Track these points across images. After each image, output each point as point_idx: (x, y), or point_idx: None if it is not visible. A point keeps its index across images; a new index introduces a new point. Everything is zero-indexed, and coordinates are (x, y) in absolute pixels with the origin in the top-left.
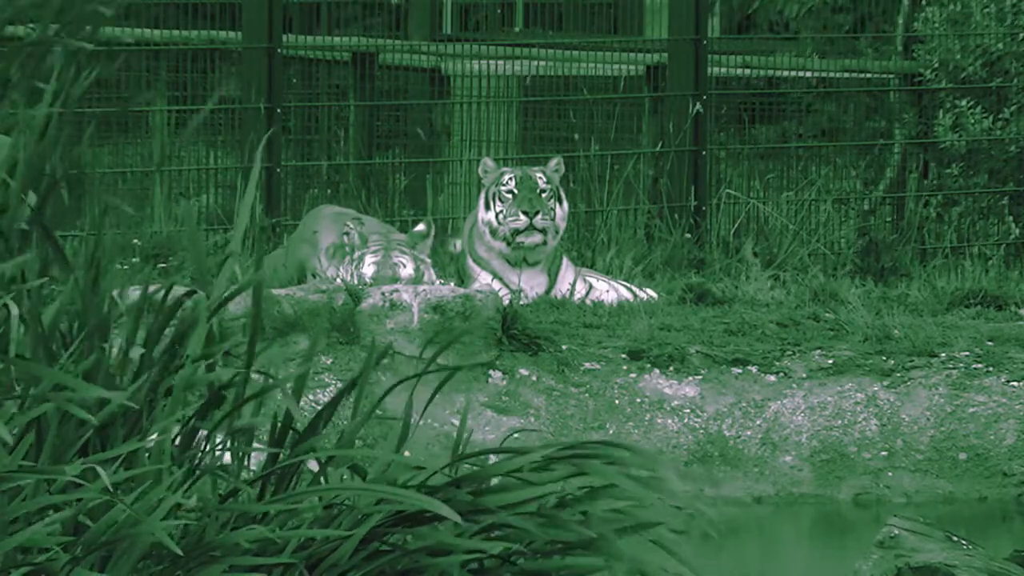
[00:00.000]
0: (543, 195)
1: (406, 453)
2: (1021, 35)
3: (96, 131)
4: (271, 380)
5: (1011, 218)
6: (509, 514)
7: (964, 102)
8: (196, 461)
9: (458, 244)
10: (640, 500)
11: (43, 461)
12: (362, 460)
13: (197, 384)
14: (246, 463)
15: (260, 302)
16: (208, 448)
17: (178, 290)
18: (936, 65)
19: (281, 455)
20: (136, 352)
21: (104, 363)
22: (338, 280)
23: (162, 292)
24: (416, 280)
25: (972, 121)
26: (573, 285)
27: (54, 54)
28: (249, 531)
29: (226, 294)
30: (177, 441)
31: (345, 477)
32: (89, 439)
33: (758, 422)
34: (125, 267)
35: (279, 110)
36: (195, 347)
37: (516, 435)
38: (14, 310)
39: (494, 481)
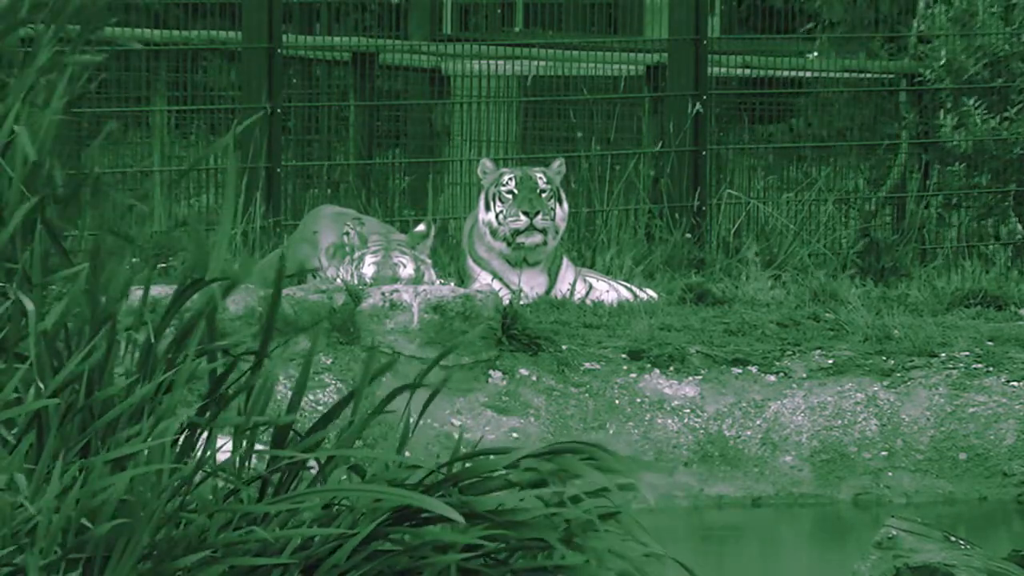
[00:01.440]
0: (543, 195)
1: (406, 453)
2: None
3: (95, 131)
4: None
5: (1015, 218)
6: (503, 516)
7: (970, 100)
8: (198, 461)
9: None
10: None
11: (44, 461)
12: (362, 461)
13: (199, 378)
14: (247, 463)
15: (279, 293)
16: (209, 448)
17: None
18: (940, 64)
19: (280, 458)
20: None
21: (112, 361)
22: (338, 280)
23: (166, 290)
24: (416, 280)
25: (976, 121)
26: (573, 285)
27: (57, 54)
28: (249, 533)
29: (235, 280)
30: (180, 439)
31: (343, 478)
32: (91, 439)
33: (758, 422)
34: (126, 267)
35: (279, 110)
36: (201, 340)
37: (515, 435)
38: (29, 304)
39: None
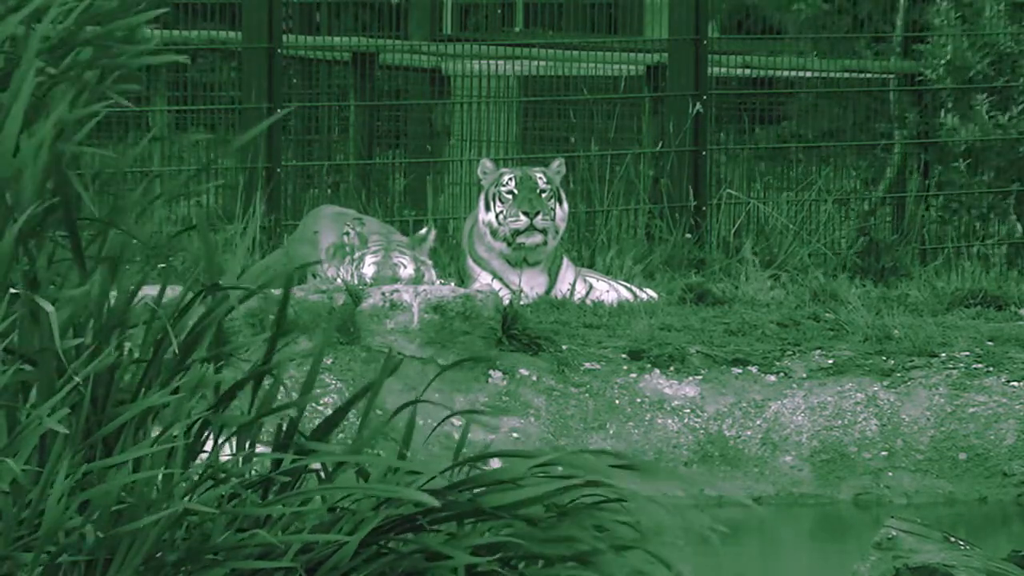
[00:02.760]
0: (543, 195)
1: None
2: None
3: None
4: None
5: (1015, 217)
6: (508, 519)
7: (980, 96)
8: (206, 466)
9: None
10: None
11: (48, 468)
12: (366, 464)
13: (206, 386)
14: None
15: (286, 306)
16: (214, 451)
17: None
18: (944, 62)
19: (285, 460)
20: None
21: (122, 365)
22: (338, 280)
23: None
24: (416, 280)
25: (984, 117)
26: (573, 285)
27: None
28: (251, 536)
29: (253, 288)
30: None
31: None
32: (96, 443)
33: (758, 422)
34: (135, 270)
35: (279, 110)
36: (208, 348)
37: (515, 435)
38: (48, 306)
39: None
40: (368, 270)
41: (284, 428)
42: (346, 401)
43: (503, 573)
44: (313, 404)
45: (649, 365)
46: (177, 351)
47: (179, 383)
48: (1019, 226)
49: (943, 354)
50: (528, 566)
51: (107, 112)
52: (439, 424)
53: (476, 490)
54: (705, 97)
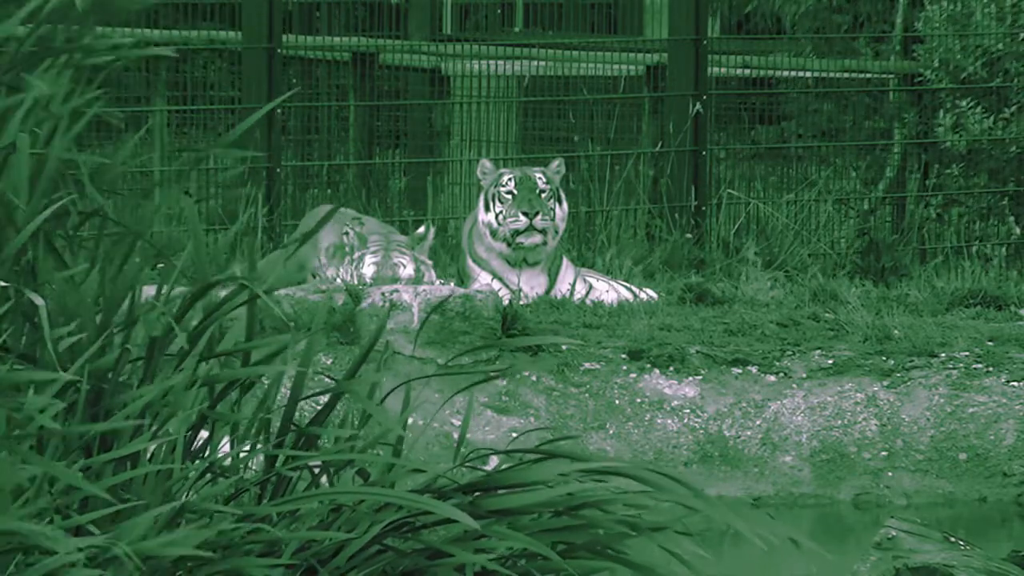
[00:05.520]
0: (543, 195)
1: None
2: (1021, 35)
3: (95, 131)
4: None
5: (1012, 218)
6: (514, 520)
7: (964, 102)
8: (208, 463)
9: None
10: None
11: (47, 460)
12: (364, 463)
13: (204, 383)
14: (249, 463)
15: (255, 301)
16: (210, 450)
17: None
18: (936, 65)
19: (280, 457)
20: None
21: (122, 363)
22: (338, 280)
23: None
24: (416, 280)
25: (973, 121)
26: (573, 285)
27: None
28: (254, 533)
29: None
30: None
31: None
32: (92, 441)
33: (758, 422)
34: (136, 268)
35: (279, 110)
36: (207, 347)
37: (515, 435)
38: (39, 300)
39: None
40: (368, 270)
41: (280, 425)
42: (336, 386)
43: (504, 572)
44: (314, 405)
45: (649, 365)
46: (178, 347)
47: (176, 380)
48: (1017, 228)
49: (943, 354)
50: (531, 562)
51: (106, 112)
52: (432, 416)
53: (478, 493)
54: (705, 97)
